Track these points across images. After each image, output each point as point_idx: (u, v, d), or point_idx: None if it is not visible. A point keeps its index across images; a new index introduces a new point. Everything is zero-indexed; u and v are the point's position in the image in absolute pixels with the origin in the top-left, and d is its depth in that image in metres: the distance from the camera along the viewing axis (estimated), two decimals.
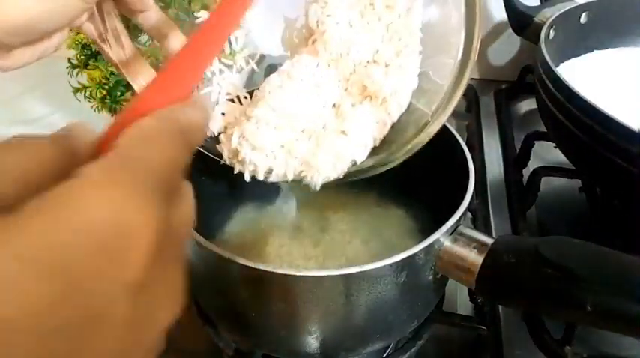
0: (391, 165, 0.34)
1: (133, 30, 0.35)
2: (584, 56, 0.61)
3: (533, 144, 0.59)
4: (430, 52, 0.34)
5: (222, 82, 0.36)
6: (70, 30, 0.31)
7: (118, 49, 0.33)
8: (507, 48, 0.76)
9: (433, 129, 0.33)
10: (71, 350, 0.13)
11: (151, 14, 0.32)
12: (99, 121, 0.64)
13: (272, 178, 0.33)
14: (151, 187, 0.15)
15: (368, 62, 0.34)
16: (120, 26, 0.32)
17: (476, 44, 0.30)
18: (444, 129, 0.42)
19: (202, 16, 0.34)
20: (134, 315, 0.15)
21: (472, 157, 0.38)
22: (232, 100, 0.37)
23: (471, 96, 0.72)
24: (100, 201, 0.14)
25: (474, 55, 0.31)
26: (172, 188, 0.17)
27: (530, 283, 0.31)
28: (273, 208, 0.49)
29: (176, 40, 0.33)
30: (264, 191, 0.50)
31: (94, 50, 0.55)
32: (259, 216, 0.48)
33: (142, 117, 0.18)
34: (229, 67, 0.36)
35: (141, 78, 0.35)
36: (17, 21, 0.25)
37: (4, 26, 0.25)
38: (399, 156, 0.34)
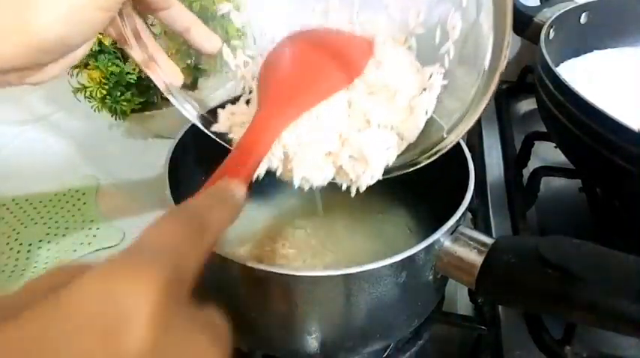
0: (418, 166, 0.34)
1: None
2: (584, 56, 0.61)
3: (533, 144, 0.59)
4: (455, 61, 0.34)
5: (247, 74, 0.36)
6: None
7: (140, 48, 0.33)
8: None
9: (462, 129, 0.33)
10: None
11: (172, 10, 0.32)
12: (99, 121, 0.64)
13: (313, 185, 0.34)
14: (153, 267, 0.16)
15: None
16: (140, 25, 0.32)
17: (505, 51, 0.30)
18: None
19: (224, 8, 0.35)
20: None
21: (472, 157, 0.38)
22: (234, 102, 0.37)
23: None
24: (96, 287, 0.15)
25: (503, 63, 0.31)
26: (182, 277, 0.17)
27: (530, 283, 0.31)
28: (273, 207, 0.49)
29: (199, 32, 0.33)
30: (264, 190, 0.50)
31: (94, 50, 0.55)
32: (259, 215, 0.48)
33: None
34: (252, 58, 0.36)
35: (164, 76, 0.35)
36: (49, 41, 0.25)
37: (38, 47, 0.25)
38: (424, 158, 0.34)
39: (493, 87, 0.31)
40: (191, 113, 0.38)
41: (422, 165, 0.34)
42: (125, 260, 0.16)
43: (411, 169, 0.35)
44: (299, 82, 0.33)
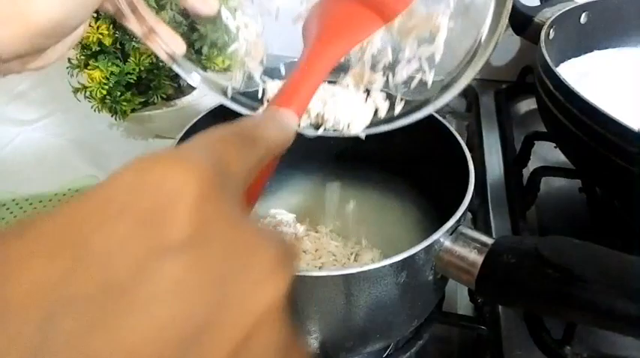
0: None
1: None
2: (584, 56, 0.61)
3: (533, 144, 0.59)
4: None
5: (248, 36, 0.36)
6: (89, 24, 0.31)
7: (138, 21, 0.32)
8: (507, 48, 0.76)
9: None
10: None
11: None
12: (99, 121, 0.64)
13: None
14: (196, 157, 0.14)
15: None
16: None
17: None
18: (444, 129, 0.42)
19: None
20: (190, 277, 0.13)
21: (472, 157, 0.38)
22: None
23: (471, 97, 0.72)
24: (132, 177, 0.13)
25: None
26: (230, 174, 0.16)
27: (530, 283, 0.31)
28: (276, 202, 0.49)
29: None
30: (270, 183, 0.50)
31: (94, 50, 0.55)
32: (258, 210, 0.48)
33: None
34: (254, 17, 0.36)
35: (166, 46, 0.34)
36: (46, 26, 0.25)
37: (37, 32, 0.25)
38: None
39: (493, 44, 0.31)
40: (198, 81, 0.36)
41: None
42: (166, 152, 0.14)
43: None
44: (346, 20, 0.33)
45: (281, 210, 0.46)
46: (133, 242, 0.12)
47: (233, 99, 0.36)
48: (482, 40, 0.32)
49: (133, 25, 0.32)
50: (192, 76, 0.36)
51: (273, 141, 0.20)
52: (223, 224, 0.14)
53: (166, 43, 0.34)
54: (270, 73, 0.37)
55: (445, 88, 0.34)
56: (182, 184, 0.13)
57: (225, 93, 0.36)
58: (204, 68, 0.38)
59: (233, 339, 0.13)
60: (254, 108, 0.35)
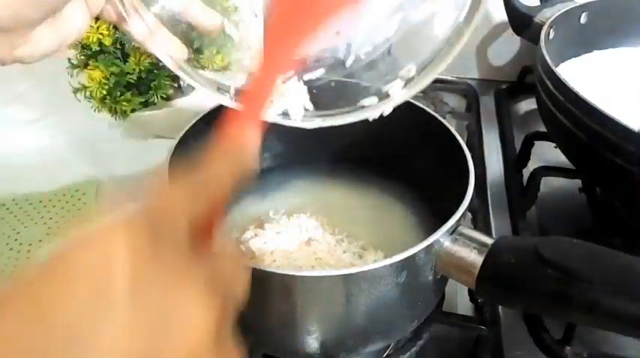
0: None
1: None
2: (584, 56, 0.61)
3: (533, 144, 0.59)
4: None
5: (251, 43, 0.36)
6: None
7: (139, 24, 0.32)
8: (507, 48, 0.76)
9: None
10: None
11: None
12: (99, 121, 0.64)
13: None
14: (131, 221, 0.18)
15: None
16: (137, 1, 0.32)
17: None
18: (444, 129, 0.42)
19: None
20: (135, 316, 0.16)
21: (472, 157, 0.38)
22: None
23: (471, 97, 0.72)
24: (78, 252, 0.17)
25: None
26: (165, 227, 0.19)
27: (530, 283, 0.31)
28: (274, 202, 0.49)
29: (197, 10, 0.33)
30: (265, 184, 0.50)
31: (94, 50, 0.55)
32: (260, 210, 0.48)
33: None
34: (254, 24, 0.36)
35: (167, 50, 0.34)
36: None
37: None
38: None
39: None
40: (202, 85, 0.36)
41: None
42: (104, 225, 0.17)
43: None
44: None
45: (302, 215, 0.46)
46: (85, 301, 0.15)
47: (235, 99, 0.36)
48: (461, 24, 0.32)
49: (133, 28, 0.32)
50: (195, 79, 0.36)
51: (223, 180, 0.22)
52: (153, 273, 0.17)
53: (168, 48, 0.34)
54: None
55: (427, 68, 0.34)
56: (113, 250, 0.16)
57: (226, 94, 0.36)
58: (203, 67, 0.38)
59: None
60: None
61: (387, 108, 0.34)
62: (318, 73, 0.36)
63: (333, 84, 0.37)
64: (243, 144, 0.24)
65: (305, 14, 0.31)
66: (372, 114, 0.34)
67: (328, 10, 0.31)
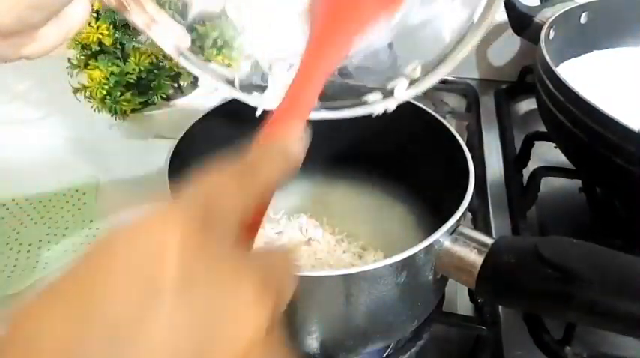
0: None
1: None
2: (584, 56, 0.61)
3: (533, 144, 0.59)
4: None
5: (254, 30, 0.35)
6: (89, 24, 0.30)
7: (140, 12, 0.32)
8: (507, 48, 0.76)
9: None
10: None
11: None
12: (99, 121, 0.64)
13: None
14: (179, 208, 0.17)
15: None
16: None
17: None
18: (444, 129, 0.42)
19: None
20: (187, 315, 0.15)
21: (472, 157, 0.38)
22: None
23: (471, 97, 0.72)
24: (125, 241, 0.16)
25: None
26: (217, 216, 0.18)
27: (530, 283, 0.31)
28: (274, 202, 0.49)
29: None
30: None
31: (94, 50, 0.55)
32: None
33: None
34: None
35: (170, 39, 0.34)
36: None
37: (27, 3, 0.25)
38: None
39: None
40: (206, 74, 0.36)
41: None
42: (156, 208, 0.16)
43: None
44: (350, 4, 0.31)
45: (301, 215, 0.46)
46: (132, 296, 0.14)
47: (240, 89, 0.36)
48: (474, 23, 0.32)
49: (135, 16, 0.32)
50: (198, 67, 0.36)
51: (272, 176, 0.21)
52: (206, 266, 0.16)
53: (171, 36, 0.34)
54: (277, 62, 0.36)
55: (433, 69, 0.34)
56: (166, 237, 0.15)
57: (230, 84, 0.36)
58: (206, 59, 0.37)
59: None
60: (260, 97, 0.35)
61: (391, 104, 0.34)
62: None
63: (338, 74, 0.36)
64: (291, 140, 0.24)
65: (353, 13, 0.31)
66: (376, 110, 0.34)
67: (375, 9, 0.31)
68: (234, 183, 0.19)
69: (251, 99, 0.35)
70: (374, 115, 0.34)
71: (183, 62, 0.35)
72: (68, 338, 0.14)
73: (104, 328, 0.14)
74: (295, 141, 0.24)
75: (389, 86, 0.34)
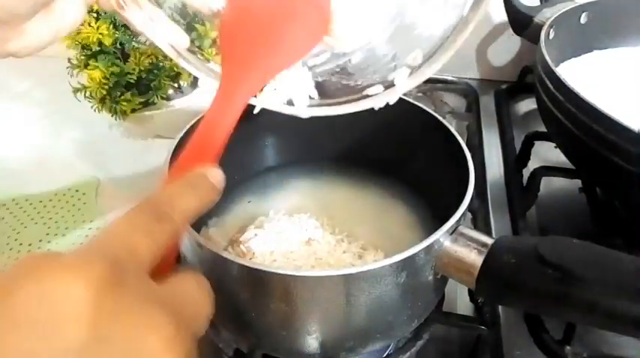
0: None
1: None
2: (584, 56, 0.61)
3: (533, 144, 0.59)
4: None
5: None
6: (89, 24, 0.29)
7: (138, 13, 0.32)
8: (507, 48, 0.77)
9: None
10: None
11: None
12: (99, 121, 0.64)
13: None
14: (88, 263, 0.16)
15: None
16: None
17: None
18: (444, 129, 0.42)
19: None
20: None
21: (472, 157, 0.38)
22: None
23: (471, 97, 0.72)
24: (32, 290, 0.15)
25: None
26: (126, 265, 0.17)
27: (530, 283, 0.31)
28: (274, 202, 0.49)
29: None
30: (265, 184, 0.50)
31: (94, 50, 0.55)
32: (260, 210, 0.48)
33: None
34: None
35: (168, 39, 0.34)
36: None
37: None
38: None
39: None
40: (205, 73, 0.36)
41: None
42: (59, 261, 0.16)
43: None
44: (264, 38, 0.31)
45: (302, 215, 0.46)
46: (39, 353, 0.14)
47: None
48: (465, 16, 0.32)
49: (132, 16, 0.31)
50: (196, 67, 0.35)
51: (190, 210, 0.21)
52: (116, 317, 0.15)
53: (169, 36, 0.33)
54: None
55: (433, 57, 0.34)
56: (72, 292, 0.15)
57: None
58: (205, 58, 0.37)
59: None
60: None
61: (392, 98, 0.34)
62: (323, 57, 0.36)
63: (338, 70, 0.36)
64: (203, 173, 0.24)
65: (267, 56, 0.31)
66: (377, 103, 0.34)
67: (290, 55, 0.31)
68: (149, 223, 0.19)
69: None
70: (376, 108, 0.34)
71: (182, 63, 0.34)
72: None
73: None
74: (213, 175, 0.24)
75: (390, 76, 0.34)
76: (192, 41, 0.42)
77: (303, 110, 0.34)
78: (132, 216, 0.19)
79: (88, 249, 0.17)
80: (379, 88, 0.35)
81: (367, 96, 0.35)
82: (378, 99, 0.34)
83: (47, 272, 0.15)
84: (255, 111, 0.34)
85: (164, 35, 0.33)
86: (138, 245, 0.18)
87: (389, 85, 0.34)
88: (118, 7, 0.31)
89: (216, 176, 0.24)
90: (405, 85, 0.34)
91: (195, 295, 0.19)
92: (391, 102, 0.34)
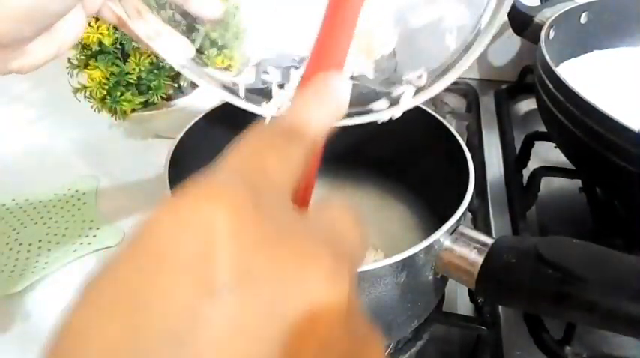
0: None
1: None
2: (584, 56, 0.61)
3: (533, 144, 0.59)
4: None
5: (255, 33, 0.35)
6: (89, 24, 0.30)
7: (142, 25, 0.32)
8: (507, 48, 0.77)
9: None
10: None
11: None
12: (99, 121, 0.64)
13: None
14: (224, 188, 0.14)
15: None
16: (138, 3, 0.31)
17: None
18: (444, 129, 0.42)
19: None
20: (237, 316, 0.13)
21: (472, 157, 0.38)
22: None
23: (471, 97, 0.72)
24: (168, 225, 0.13)
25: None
26: (265, 187, 0.15)
27: (530, 283, 0.31)
28: None
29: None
30: None
31: (94, 50, 0.55)
32: None
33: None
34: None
35: (172, 50, 0.33)
36: (24, 8, 0.24)
37: (14, 17, 0.24)
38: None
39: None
40: (210, 84, 0.36)
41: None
42: (196, 186, 0.14)
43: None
44: None
45: None
46: (183, 292, 0.12)
47: (244, 97, 0.35)
48: (482, 28, 0.32)
49: (136, 27, 0.31)
50: (203, 78, 0.35)
51: (320, 125, 0.19)
52: (264, 250, 0.13)
53: (173, 46, 0.33)
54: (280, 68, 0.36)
55: (439, 76, 0.33)
56: (215, 221, 0.13)
57: (234, 93, 0.36)
58: (207, 66, 0.37)
59: None
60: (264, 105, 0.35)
61: (397, 112, 0.34)
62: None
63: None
64: (332, 86, 0.20)
65: None
66: (381, 117, 0.34)
67: None
68: (279, 144, 0.17)
69: (256, 108, 0.35)
70: (380, 122, 0.34)
71: (185, 72, 0.34)
72: (108, 341, 0.12)
73: (152, 332, 0.12)
74: (338, 80, 0.20)
75: (394, 94, 0.34)
76: (192, 41, 0.42)
77: None
78: (262, 136, 0.17)
79: (222, 173, 0.15)
80: (384, 103, 0.35)
81: (372, 110, 0.35)
82: (383, 113, 0.34)
83: (180, 203, 0.13)
84: (266, 121, 0.34)
85: (168, 46, 0.33)
86: (274, 168, 0.16)
87: (393, 101, 0.35)
88: (120, 24, 0.31)
89: (340, 86, 0.21)
90: (411, 102, 0.34)
91: (347, 225, 0.17)
92: (395, 117, 0.34)
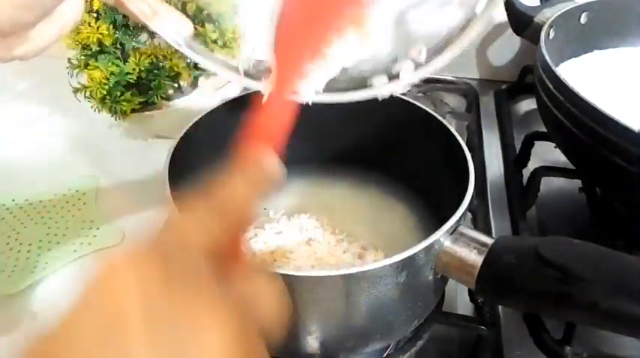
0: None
1: None
2: (584, 56, 0.61)
3: (533, 144, 0.59)
4: None
5: (253, 10, 0.35)
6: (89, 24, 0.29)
7: (140, 4, 0.31)
8: (507, 48, 0.77)
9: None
10: None
11: None
12: (99, 121, 0.64)
13: None
14: (143, 257, 0.16)
15: None
16: None
17: None
18: (444, 129, 0.42)
19: None
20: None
21: (472, 157, 0.38)
22: None
23: (471, 97, 0.72)
24: (99, 286, 0.16)
25: None
26: (183, 258, 0.18)
27: (530, 283, 0.31)
28: (274, 202, 0.49)
29: None
30: None
31: (94, 50, 0.55)
32: (260, 210, 0.48)
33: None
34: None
35: (173, 28, 0.33)
36: None
37: (12, 1, 0.24)
38: None
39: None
40: (208, 61, 0.36)
41: None
42: (114, 262, 0.16)
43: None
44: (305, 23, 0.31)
45: (303, 215, 0.46)
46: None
47: (245, 74, 0.35)
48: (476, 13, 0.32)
49: (134, 6, 0.31)
50: (202, 56, 0.35)
51: (245, 200, 0.21)
52: (170, 313, 0.16)
53: (171, 24, 0.33)
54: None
55: (438, 52, 0.33)
56: (129, 292, 0.15)
57: (236, 71, 0.35)
58: (207, 45, 0.37)
59: None
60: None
61: (397, 88, 0.34)
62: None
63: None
64: (261, 160, 0.24)
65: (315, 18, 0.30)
66: (381, 93, 0.34)
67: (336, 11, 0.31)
68: (194, 218, 0.19)
69: (256, 84, 0.35)
70: (380, 98, 0.34)
71: (186, 51, 0.34)
72: None
73: None
74: (267, 159, 0.24)
75: (394, 69, 0.34)
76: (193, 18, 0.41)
77: (305, 97, 0.34)
78: (185, 214, 0.20)
79: (142, 246, 0.18)
80: (383, 78, 0.34)
81: (371, 85, 0.34)
82: (382, 89, 0.34)
83: (102, 276, 0.16)
84: (264, 100, 0.33)
85: (167, 24, 0.33)
86: (190, 236, 0.18)
87: (393, 77, 0.34)
88: (119, 4, 0.31)
89: (271, 165, 0.24)
90: (410, 77, 0.34)
91: (259, 296, 0.19)
92: (395, 93, 0.34)
